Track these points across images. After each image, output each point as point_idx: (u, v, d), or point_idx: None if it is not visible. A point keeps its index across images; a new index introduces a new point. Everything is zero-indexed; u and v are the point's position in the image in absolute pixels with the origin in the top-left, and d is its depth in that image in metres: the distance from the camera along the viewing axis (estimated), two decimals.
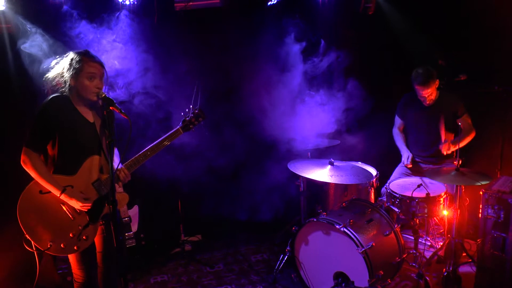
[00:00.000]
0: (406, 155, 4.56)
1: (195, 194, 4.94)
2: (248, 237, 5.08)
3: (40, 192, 2.88)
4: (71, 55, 2.92)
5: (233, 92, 4.92)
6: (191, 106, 3.32)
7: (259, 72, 4.78)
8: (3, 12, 3.53)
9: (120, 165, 3.09)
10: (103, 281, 3.25)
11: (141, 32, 4.05)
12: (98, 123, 3.04)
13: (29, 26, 3.56)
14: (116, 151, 3.30)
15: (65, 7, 3.77)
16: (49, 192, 2.88)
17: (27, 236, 2.85)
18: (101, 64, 2.96)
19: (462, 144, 4.26)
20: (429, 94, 4.28)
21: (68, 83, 2.91)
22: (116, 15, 3.91)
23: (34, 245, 2.88)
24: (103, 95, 2.86)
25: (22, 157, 2.85)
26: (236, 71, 4.83)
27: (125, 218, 4.20)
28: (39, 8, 3.74)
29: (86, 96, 2.93)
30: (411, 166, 4.51)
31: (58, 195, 2.86)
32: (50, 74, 2.95)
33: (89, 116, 3.01)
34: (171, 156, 4.56)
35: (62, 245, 2.91)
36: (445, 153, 4.27)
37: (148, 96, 4.14)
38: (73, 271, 3.13)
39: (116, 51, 3.88)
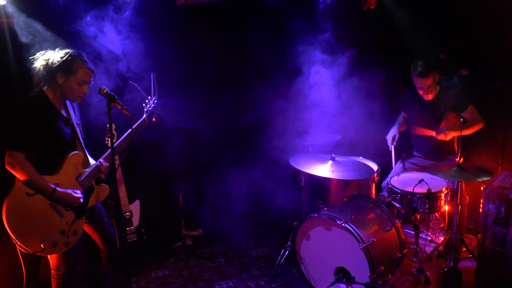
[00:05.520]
0: (390, 134, 4.56)
1: (196, 188, 4.95)
2: (249, 232, 5.07)
3: (28, 194, 2.79)
4: (63, 52, 2.91)
5: (235, 86, 4.91)
6: (149, 97, 3.58)
7: (260, 66, 4.78)
8: (4, 6, 3.51)
9: (102, 159, 3.15)
10: (108, 263, 3.34)
11: (141, 26, 4.03)
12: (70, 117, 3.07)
13: (30, 20, 3.56)
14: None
15: (64, 1, 3.75)
16: (36, 193, 2.81)
17: (18, 242, 2.76)
18: (93, 71, 2.99)
19: (465, 132, 4.15)
20: (428, 86, 4.17)
21: (54, 80, 2.89)
22: (115, 9, 3.89)
23: (26, 249, 2.79)
24: (105, 90, 2.80)
25: (9, 160, 2.76)
26: (237, 66, 4.83)
27: (126, 212, 4.21)
28: (40, 2, 3.72)
29: (71, 98, 2.98)
30: (395, 144, 4.51)
31: (50, 193, 2.82)
32: (37, 64, 2.91)
33: (64, 111, 3.02)
34: (173, 150, 4.56)
35: (53, 245, 2.87)
36: (448, 139, 4.25)
37: (144, 88, 4.13)
38: (54, 268, 3.07)
39: (116, 45, 3.87)
